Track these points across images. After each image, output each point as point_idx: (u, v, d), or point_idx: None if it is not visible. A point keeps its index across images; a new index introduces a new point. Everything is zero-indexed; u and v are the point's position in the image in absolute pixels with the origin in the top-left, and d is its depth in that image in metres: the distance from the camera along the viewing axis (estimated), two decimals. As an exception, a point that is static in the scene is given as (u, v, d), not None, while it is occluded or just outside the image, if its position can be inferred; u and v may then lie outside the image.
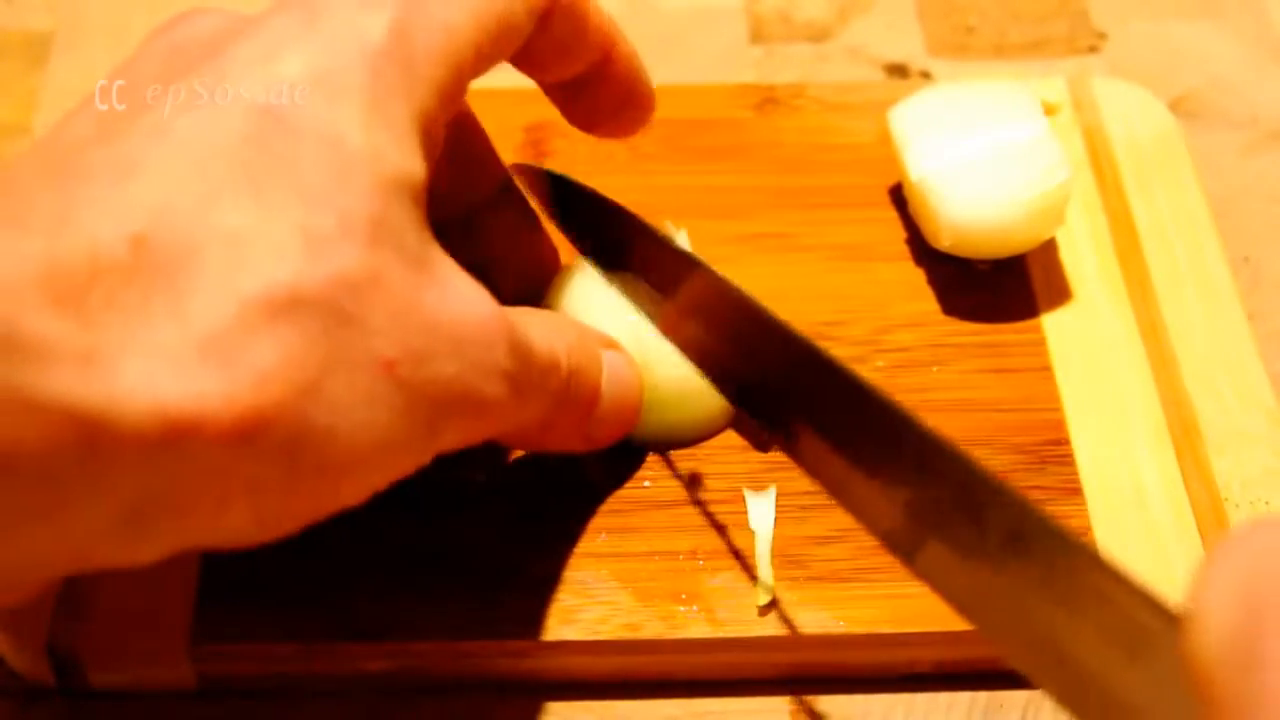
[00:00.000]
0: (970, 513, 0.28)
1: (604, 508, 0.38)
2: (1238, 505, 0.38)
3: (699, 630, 0.36)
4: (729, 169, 0.46)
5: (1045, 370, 0.41)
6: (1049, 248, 0.44)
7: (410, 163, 0.29)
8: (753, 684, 0.37)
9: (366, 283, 0.27)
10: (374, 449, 0.27)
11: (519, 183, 0.40)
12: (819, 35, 0.55)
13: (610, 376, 0.36)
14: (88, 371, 0.24)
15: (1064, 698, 0.27)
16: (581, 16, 0.34)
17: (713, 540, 0.37)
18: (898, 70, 0.54)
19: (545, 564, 0.37)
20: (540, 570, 0.37)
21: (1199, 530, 0.38)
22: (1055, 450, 0.39)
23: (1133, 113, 0.48)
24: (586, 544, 0.37)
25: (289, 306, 0.26)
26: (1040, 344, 0.42)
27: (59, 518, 0.24)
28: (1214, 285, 0.43)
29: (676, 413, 0.39)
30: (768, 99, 0.49)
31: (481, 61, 0.32)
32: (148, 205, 0.26)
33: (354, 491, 0.28)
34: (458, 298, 0.29)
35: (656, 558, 0.37)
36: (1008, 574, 0.27)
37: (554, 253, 0.41)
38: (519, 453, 0.39)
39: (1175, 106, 0.51)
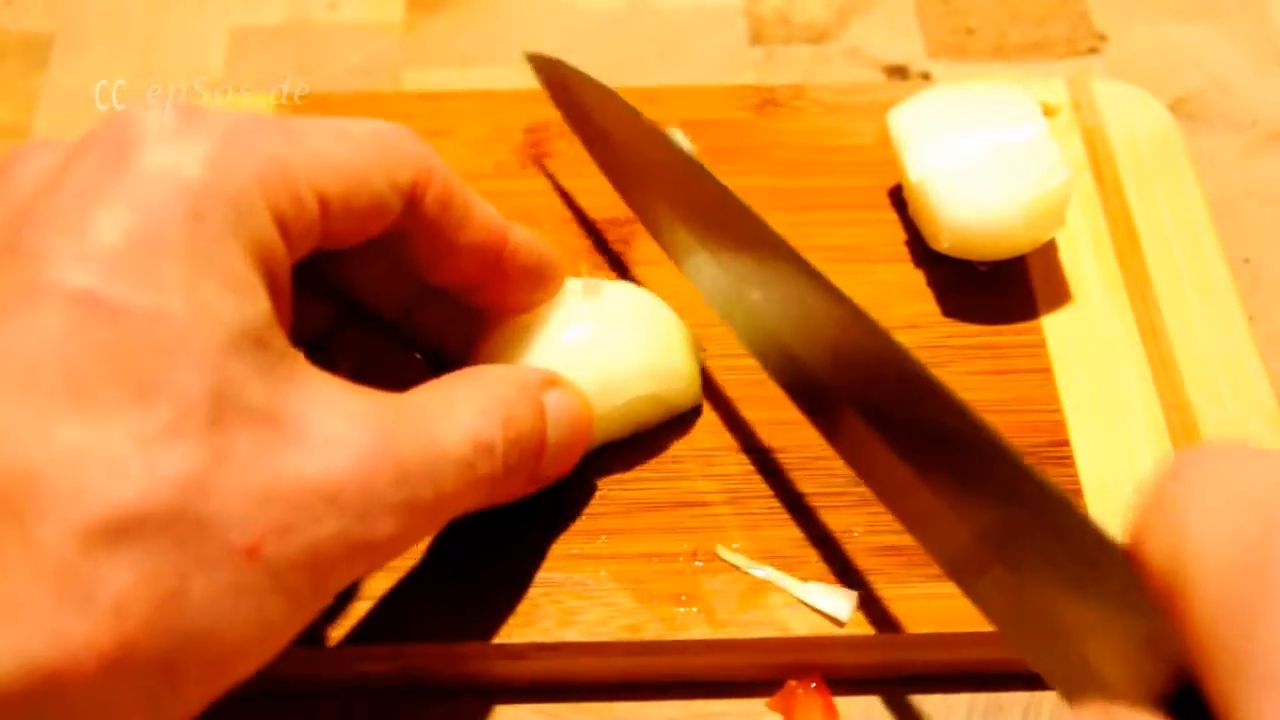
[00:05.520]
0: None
1: (603, 509, 0.38)
2: (1238, 506, 0.38)
3: (699, 631, 0.36)
4: (729, 170, 0.46)
5: (1045, 372, 0.41)
6: (1049, 249, 0.44)
7: (245, 306, 0.27)
8: (753, 685, 0.37)
9: (213, 473, 0.25)
10: (254, 635, 0.26)
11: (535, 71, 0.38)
12: (819, 37, 0.55)
13: (555, 419, 0.34)
14: None
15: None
16: (462, 206, 0.33)
17: (711, 541, 0.37)
18: (897, 72, 0.54)
19: (545, 566, 0.37)
20: (540, 572, 0.37)
21: (1199, 531, 0.38)
22: (1055, 451, 0.39)
23: (1133, 114, 0.48)
24: (586, 546, 0.37)
25: (134, 526, 0.24)
26: (1040, 345, 0.42)
27: None
28: (1214, 286, 0.43)
29: (649, 411, 0.39)
30: (768, 100, 0.49)
31: (333, 204, 0.30)
32: None
33: (247, 669, 0.27)
34: (321, 446, 0.27)
35: (656, 559, 0.37)
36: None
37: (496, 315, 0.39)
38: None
39: (1175, 108, 0.51)
